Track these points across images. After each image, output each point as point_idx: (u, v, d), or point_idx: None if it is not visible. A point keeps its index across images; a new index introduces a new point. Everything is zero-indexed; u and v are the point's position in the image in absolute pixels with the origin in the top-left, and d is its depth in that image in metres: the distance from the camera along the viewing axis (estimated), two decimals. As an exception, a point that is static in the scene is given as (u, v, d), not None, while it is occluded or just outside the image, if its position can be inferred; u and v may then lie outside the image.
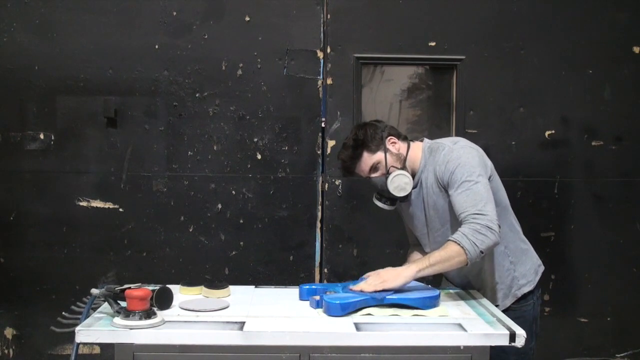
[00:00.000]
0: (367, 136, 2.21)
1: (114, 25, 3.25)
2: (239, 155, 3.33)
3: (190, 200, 3.33)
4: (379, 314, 1.95)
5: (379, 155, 2.20)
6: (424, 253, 2.33)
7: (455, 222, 2.12)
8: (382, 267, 2.21)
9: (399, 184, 2.18)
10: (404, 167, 2.21)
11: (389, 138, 2.23)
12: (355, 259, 3.35)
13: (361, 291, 2.04)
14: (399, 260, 2.53)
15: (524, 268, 2.27)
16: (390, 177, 2.18)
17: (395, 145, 2.23)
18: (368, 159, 2.21)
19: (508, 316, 2.00)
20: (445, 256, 2.01)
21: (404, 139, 2.28)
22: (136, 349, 1.80)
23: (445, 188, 2.15)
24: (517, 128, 3.37)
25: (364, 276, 2.16)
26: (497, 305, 2.20)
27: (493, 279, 2.25)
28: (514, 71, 3.36)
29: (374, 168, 2.22)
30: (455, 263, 2.01)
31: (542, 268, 2.33)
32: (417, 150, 2.27)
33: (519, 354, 2.04)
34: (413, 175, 2.23)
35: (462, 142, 2.23)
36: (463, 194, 2.06)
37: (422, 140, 2.32)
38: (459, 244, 1.98)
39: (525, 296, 2.26)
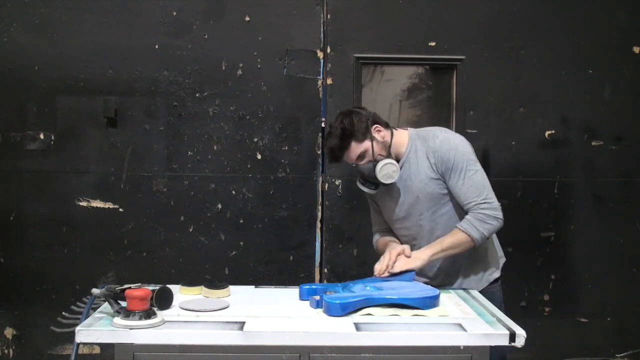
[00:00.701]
0: (354, 125, 2.25)
1: (114, 25, 3.26)
2: (239, 155, 3.33)
3: (190, 200, 3.33)
4: (379, 314, 1.95)
5: (366, 144, 2.26)
6: (392, 238, 2.46)
7: (443, 207, 2.29)
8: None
9: (387, 172, 2.25)
10: (389, 154, 2.29)
11: (374, 126, 2.29)
12: (355, 259, 3.35)
13: (390, 275, 2.22)
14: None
15: (493, 255, 2.42)
16: (379, 165, 2.25)
17: (381, 133, 2.30)
18: (356, 148, 2.27)
19: None
20: (456, 242, 2.22)
21: (386, 126, 2.34)
22: (136, 349, 1.80)
23: (441, 174, 2.25)
24: (517, 128, 3.37)
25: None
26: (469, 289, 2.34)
27: (472, 265, 2.36)
28: (514, 71, 3.36)
29: (361, 156, 2.28)
30: (464, 249, 2.24)
31: (503, 259, 2.46)
32: (402, 137, 2.35)
33: None
34: (397, 161, 2.30)
35: (450, 131, 2.37)
36: (466, 183, 2.22)
37: (405, 129, 2.40)
38: (467, 234, 2.19)
39: (495, 280, 2.40)
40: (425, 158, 2.28)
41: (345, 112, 2.33)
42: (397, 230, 2.45)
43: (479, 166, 2.26)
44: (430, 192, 2.28)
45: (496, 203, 2.23)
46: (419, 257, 2.23)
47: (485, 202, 2.21)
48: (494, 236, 2.42)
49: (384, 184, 2.29)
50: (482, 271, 2.38)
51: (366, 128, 2.26)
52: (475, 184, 2.22)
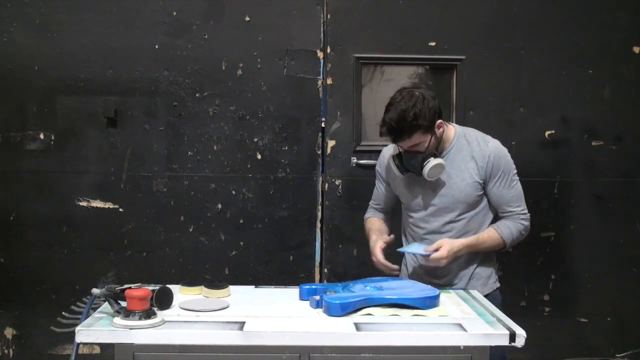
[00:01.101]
0: (426, 116, 2.16)
1: (114, 25, 3.25)
2: (239, 155, 3.33)
3: (190, 200, 3.33)
4: (379, 314, 1.95)
5: (427, 137, 2.21)
6: (385, 222, 2.52)
7: (472, 210, 2.30)
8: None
9: (434, 171, 2.23)
10: (437, 149, 2.28)
11: (438, 121, 2.24)
12: (355, 259, 3.34)
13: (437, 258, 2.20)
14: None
15: (495, 263, 2.46)
16: (430, 164, 2.21)
17: (440, 130, 2.26)
18: (417, 139, 2.20)
19: None
20: (491, 244, 2.30)
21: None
22: (136, 349, 1.80)
23: (485, 178, 2.27)
24: (517, 128, 3.37)
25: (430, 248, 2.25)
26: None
27: (481, 270, 2.37)
28: (514, 71, 3.36)
29: (416, 145, 2.23)
30: (493, 250, 2.35)
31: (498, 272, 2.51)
32: (450, 132, 2.33)
33: None
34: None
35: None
36: (512, 191, 2.30)
37: (452, 124, 2.38)
38: (502, 238, 2.28)
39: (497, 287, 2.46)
40: (471, 159, 2.28)
41: (419, 94, 2.18)
42: (413, 220, 2.41)
43: (517, 177, 2.34)
44: (469, 193, 2.28)
45: (528, 215, 2.34)
46: (459, 252, 2.25)
47: (525, 214, 2.32)
48: None
49: (417, 173, 2.27)
50: (488, 277, 2.39)
51: (432, 121, 2.20)
52: (518, 194, 2.32)
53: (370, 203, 2.63)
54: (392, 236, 2.42)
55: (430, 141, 2.22)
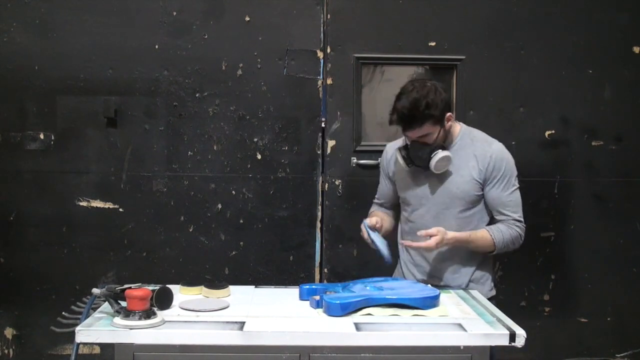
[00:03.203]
0: (437, 106, 2.17)
1: (114, 25, 3.25)
2: (239, 155, 3.33)
3: (190, 200, 3.33)
4: (379, 314, 1.95)
5: (436, 129, 2.22)
6: (386, 215, 2.50)
7: (468, 211, 2.29)
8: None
9: (441, 164, 2.23)
10: (444, 143, 2.28)
11: (448, 114, 2.24)
12: (355, 259, 3.34)
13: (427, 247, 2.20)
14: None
15: (492, 272, 2.43)
16: (438, 156, 2.21)
17: (449, 123, 2.27)
18: (427, 129, 2.21)
19: None
20: (481, 244, 2.26)
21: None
22: (136, 349, 1.80)
23: (484, 179, 2.25)
24: (517, 128, 3.37)
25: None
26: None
27: (478, 274, 2.36)
28: (514, 71, 3.36)
29: (424, 136, 2.23)
30: (483, 250, 2.30)
31: (498, 273, 2.56)
32: (455, 129, 2.34)
33: None
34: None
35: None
36: (510, 195, 2.28)
37: (458, 122, 2.38)
38: (494, 240, 2.24)
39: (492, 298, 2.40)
40: (473, 157, 2.27)
41: (431, 85, 2.21)
42: (408, 215, 2.41)
43: (518, 185, 2.32)
44: (467, 191, 2.28)
45: (524, 225, 2.31)
46: (444, 238, 2.19)
47: (520, 222, 2.29)
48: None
49: (422, 166, 2.27)
50: (483, 283, 2.38)
51: (443, 113, 2.21)
52: (516, 200, 2.30)
53: (374, 199, 2.64)
54: (377, 219, 2.39)
55: (439, 133, 2.23)
